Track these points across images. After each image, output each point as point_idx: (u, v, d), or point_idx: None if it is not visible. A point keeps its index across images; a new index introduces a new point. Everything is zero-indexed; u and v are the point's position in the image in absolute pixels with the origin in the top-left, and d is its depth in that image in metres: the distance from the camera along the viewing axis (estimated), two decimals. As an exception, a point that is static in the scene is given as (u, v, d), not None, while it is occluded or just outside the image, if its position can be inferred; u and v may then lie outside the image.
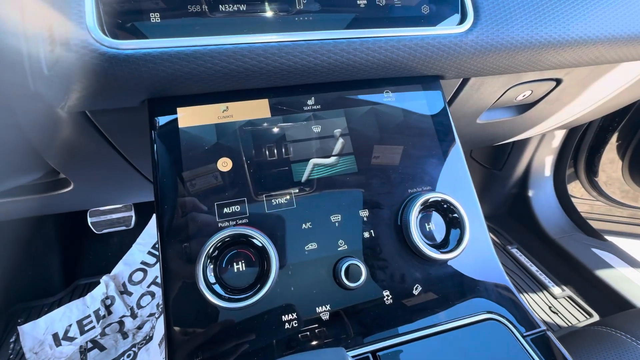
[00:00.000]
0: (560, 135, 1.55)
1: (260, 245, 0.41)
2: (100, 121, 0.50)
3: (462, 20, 0.49)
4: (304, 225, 0.44)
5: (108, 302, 1.36)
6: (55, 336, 1.27)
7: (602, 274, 1.32)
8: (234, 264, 0.41)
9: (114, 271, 1.47)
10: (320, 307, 0.42)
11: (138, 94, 0.43)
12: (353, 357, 0.39)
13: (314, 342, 0.40)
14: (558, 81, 0.70)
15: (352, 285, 0.42)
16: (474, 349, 0.41)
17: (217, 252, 0.40)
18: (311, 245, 0.44)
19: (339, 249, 0.44)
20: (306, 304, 0.42)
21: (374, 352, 0.40)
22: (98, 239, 1.57)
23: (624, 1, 0.54)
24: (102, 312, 1.32)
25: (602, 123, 1.48)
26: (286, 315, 0.41)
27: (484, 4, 0.49)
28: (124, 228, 1.49)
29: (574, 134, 1.53)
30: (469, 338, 0.42)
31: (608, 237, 1.49)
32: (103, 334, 1.27)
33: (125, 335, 1.28)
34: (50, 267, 1.46)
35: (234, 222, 0.43)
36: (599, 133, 1.50)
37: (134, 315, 1.34)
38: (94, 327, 1.29)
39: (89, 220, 1.43)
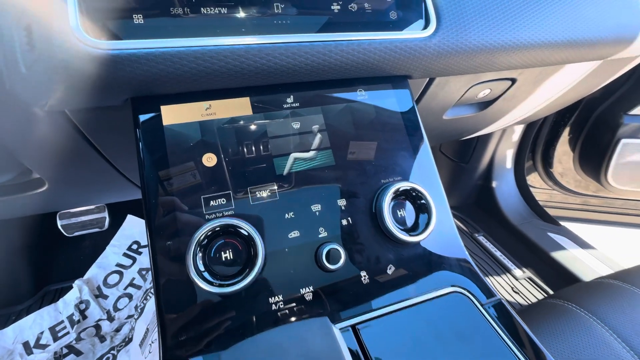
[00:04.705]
0: (519, 130, 1.68)
1: (246, 234, 0.44)
2: (79, 119, 0.50)
3: (426, 25, 0.54)
4: (286, 215, 0.48)
5: (82, 306, 1.32)
6: (25, 345, 1.22)
7: (557, 255, 1.46)
8: (222, 252, 0.44)
9: (87, 275, 1.42)
10: (304, 288, 0.45)
11: (122, 93, 0.44)
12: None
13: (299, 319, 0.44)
14: (513, 80, 0.77)
15: (332, 267, 0.46)
16: (441, 319, 0.46)
17: (206, 241, 0.43)
18: (294, 233, 0.47)
19: (319, 236, 0.48)
20: (291, 286, 0.45)
21: (353, 326, 0.44)
22: (69, 242, 1.51)
23: (563, 11, 0.61)
24: (77, 317, 1.28)
25: (555, 118, 1.62)
26: (273, 297, 0.44)
27: (444, 12, 0.54)
28: (97, 230, 1.44)
29: (531, 129, 1.66)
30: (437, 309, 0.47)
31: (563, 223, 1.64)
32: (78, 339, 1.23)
33: (102, 339, 1.25)
34: (17, 273, 1.39)
35: (221, 214, 0.45)
36: (552, 128, 1.64)
37: (110, 319, 1.31)
38: (68, 333, 1.25)
39: (59, 223, 1.37)
